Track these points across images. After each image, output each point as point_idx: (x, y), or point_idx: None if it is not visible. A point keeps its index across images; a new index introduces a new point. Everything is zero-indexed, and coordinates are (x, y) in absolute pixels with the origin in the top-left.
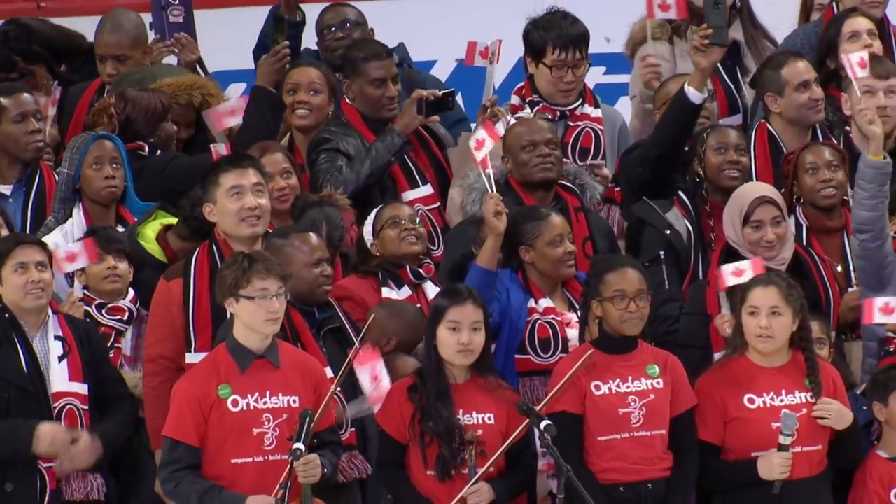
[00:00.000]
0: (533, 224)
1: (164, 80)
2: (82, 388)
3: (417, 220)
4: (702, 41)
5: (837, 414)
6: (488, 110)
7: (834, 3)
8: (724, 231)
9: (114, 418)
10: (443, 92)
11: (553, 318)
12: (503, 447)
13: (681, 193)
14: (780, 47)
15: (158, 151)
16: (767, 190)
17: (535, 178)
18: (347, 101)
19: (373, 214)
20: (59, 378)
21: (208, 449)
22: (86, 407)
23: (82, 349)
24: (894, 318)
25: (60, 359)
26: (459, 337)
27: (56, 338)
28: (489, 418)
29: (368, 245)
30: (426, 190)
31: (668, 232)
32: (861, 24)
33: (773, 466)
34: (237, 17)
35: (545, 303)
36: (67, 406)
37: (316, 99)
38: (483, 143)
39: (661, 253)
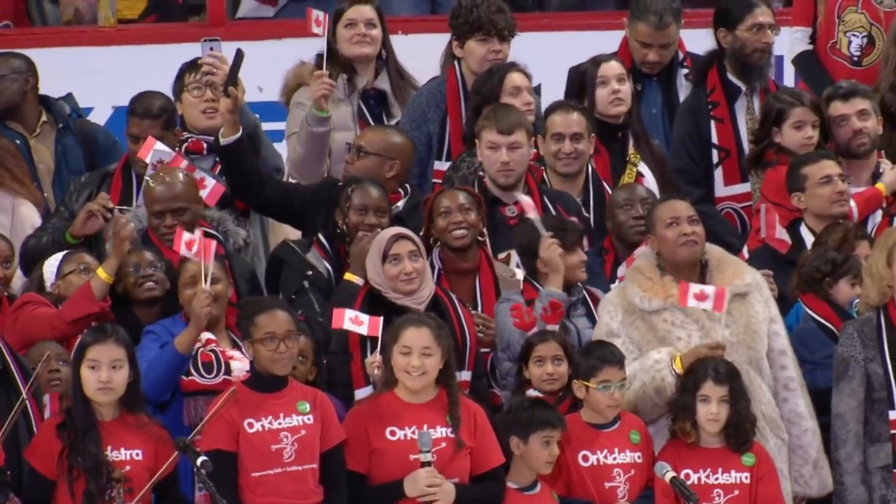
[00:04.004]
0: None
1: None
2: None
3: None
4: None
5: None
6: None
7: (456, 62)
8: (368, 274)
9: None
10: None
11: (215, 347)
12: (150, 482)
13: (321, 237)
14: (407, 106)
15: None
16: (403, 229)
17: (164, 244)
18: None
19: (59, 258)
20: None
21: None
22: None
23: None
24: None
25: None
26: (99, 375)
27: None
28: (137, 454)
29: (48, 285)
30: None
31: (310, 273)
32: (522, 80)
33: (418, 482)
34: None
35: (206, 335)
36: None
37: None
38: None
39: (305, 282)
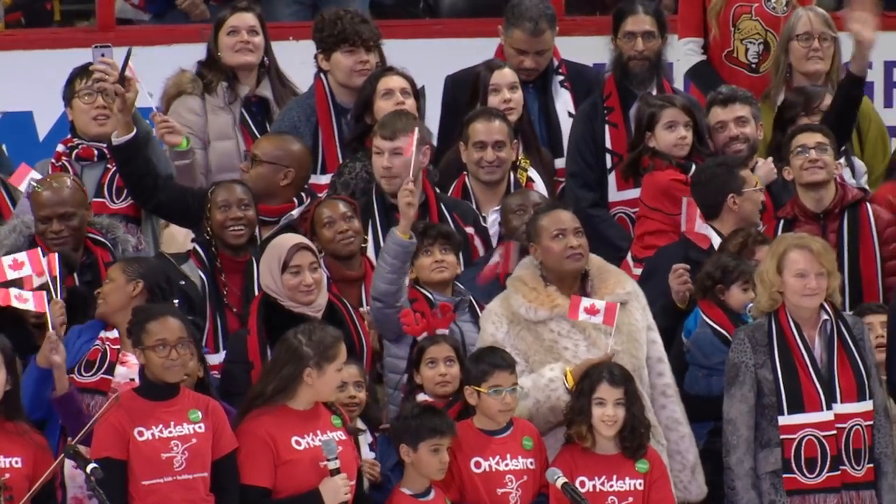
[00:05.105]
0: None
1: None
2: None
3: None
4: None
5: None
6: None
7: (322, 74)
8: (262, 282)
9: None
10: None
11: (109, 346)
12: (31, 491)
13: (197, 247)
14: (277, 122)
15: None
16: (303, 238)
17: (51, 249)
18: None
19: None
20: None
21: None
22: None
23: None
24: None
25: None
26: None
27: None
28: (17, 462)
29: None
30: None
31: (184, 283)
32: (396, 82)
33: (336, 489)
34: None
35: (112, 333)
36: None
37: None
38: None
39: (176, 301)
